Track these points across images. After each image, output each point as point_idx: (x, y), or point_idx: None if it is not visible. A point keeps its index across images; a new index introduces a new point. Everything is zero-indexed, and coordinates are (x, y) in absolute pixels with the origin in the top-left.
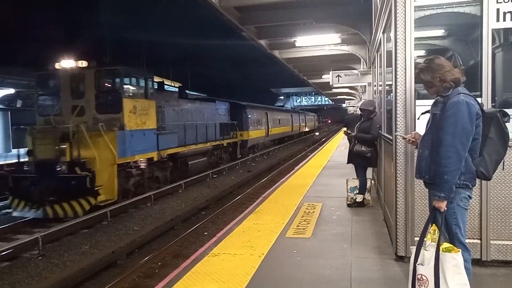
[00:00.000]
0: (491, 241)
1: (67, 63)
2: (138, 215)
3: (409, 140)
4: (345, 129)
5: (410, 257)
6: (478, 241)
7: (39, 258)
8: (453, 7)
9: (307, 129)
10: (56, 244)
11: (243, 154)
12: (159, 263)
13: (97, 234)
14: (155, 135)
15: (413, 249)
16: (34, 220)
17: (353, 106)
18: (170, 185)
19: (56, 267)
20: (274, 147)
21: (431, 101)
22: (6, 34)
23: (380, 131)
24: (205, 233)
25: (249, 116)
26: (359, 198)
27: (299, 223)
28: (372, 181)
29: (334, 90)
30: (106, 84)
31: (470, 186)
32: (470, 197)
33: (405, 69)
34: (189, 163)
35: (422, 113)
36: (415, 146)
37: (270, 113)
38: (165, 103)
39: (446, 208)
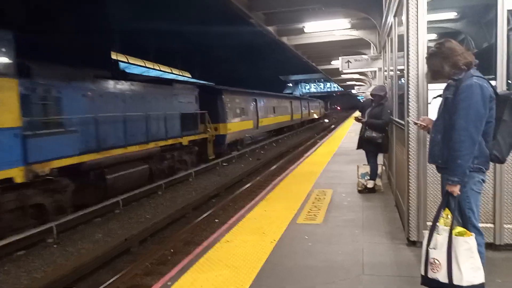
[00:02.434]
0: (505, 225)
1: None
2: (149, 203)
3: (420, 125)
4: (356, 114)
5: (422, 242)
6: (492, 225)
7: (54, 246)
8: None
9: (311, 118)
10: (70, 233)
11: (220, 153)
12: (172, 250)
13: (110, 222)
14: (18, 138)
15: (426, 234)
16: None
17: (364, 92)
18: (180, 174)
19: (71, 255)
20: (268, 140)
21: (443, 85)
22: None
23: (391, 117)
24: (216, 220)
25: (227, 103)
26: (370, 184)
27: (310, 209)
28: (383, 167)
29: (344, 76)
30: None
31: (484, 169)
32: (483, 181)
33: (417, 53)
34: (107, 177)
35: (434, 97)
36: (426, 131)
37: (261, 100)
38: (61, 85)
39: (459, 192)
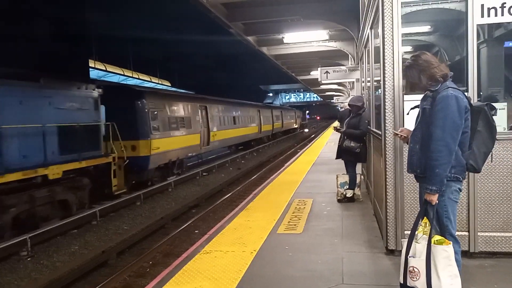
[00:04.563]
0: (479, 233)
1: None
2: (127, 214)
3: (401, 136)
4: (335, 125)
5: (400, 251)
6: (466, 233)
7: (28, 259)
8: (438, 3)
9: (285, 129)
10: (45, 245)
11: (144, 181)
12: (150, 262)
13: (86, 234)
14: None
15: (404, 242)
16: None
17: (342, 103)
18: (159, 184)
19: (45, 268)
20: (248, 150)
21: (419, 96)
22: None
23: (369, 127)
24: (196, 231)
25: (153, 112)
26: (349, 193)
27: (290, 219)
28: (362, 176)
29: (323, 87)
30: None
31: (461, 178)
32: (460, 190)
33: (393, 64)
34: None
35: (412, 108)
36: (405, 142)
37: (214, 107)
38: None
39: (437, 201)
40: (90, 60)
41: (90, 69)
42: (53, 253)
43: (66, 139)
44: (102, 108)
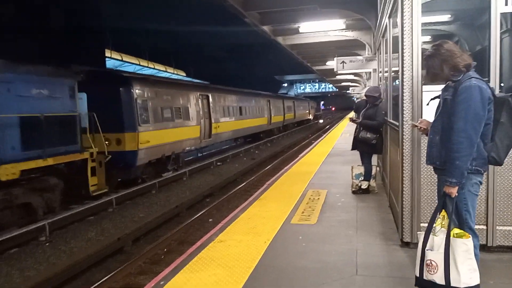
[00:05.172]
0: (497, 227)
1: None
2: (143, 202)
3: (420, 127)
4: (350, 115)
5: (416, 243)
6: (484, 227)
7: (47, 244)
8: None
9: (297, 120)
10: (63, 231)
11: (129, 178)
12: (165, 250)
13: (103, 221)
14: None
15: (421, 235)
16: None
17: (358, 93)
18: (175, 172)
19: (63, 254)
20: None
21: (438, 87)
22: None
23: (385, 118)
24: (210, 220)
25: (141, 100)
26: (364, 185)
27: (304, 209)
28: (377, 168)
29: (338, 77)
30: None
31: (482, 171)
32: (481, 183)
33: (412, 54)
34: None
35: (432, 99)
36: (425, 134)
37: (218, 97)
38: None
39: (457, 194)
40: (106, 50)
41: (106, 59)
42: (71, 239)
43: (29, 133)
44: (84, 97)
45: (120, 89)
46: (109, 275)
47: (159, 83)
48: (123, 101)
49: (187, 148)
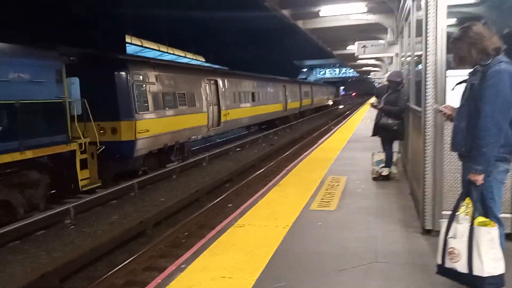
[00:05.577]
0: None
1: None
2: (164, 187)
3: (445, 113)
4: (371, 101)
5: (437, 231)
6: (510, 215)
7: (71, 227)
8: None
9: (315, 107)
10: (86, 214)
11: (126, 170)
12: (186, 233)
13: (125, 205)
14: None
15: (443, 223)
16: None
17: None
18: (195, 158)
19: (87, 236)
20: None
21: (462, 72)
22: None
23: (407, 103)
24: (229, 205)
25: (139, 85)
26: (385, 171)
27: (323, 196)
28: (398, 155)
29: (359, 62)
30: None
31: (509, 159)
32: (508, 171)
33: (436, 38)
34: None
35: (458, 83)
36: (450, 120)
37: (227, 82)
38: None
39: (482, 182)
40: (126, 36)
41: (127, 45)
42: (94, 222)
43: (2, 122)
44: (77, 81)
45: (115, 73)
46: (131, 258)
47: (161, 67)
48: (118, 86)
49: (193, 137)
